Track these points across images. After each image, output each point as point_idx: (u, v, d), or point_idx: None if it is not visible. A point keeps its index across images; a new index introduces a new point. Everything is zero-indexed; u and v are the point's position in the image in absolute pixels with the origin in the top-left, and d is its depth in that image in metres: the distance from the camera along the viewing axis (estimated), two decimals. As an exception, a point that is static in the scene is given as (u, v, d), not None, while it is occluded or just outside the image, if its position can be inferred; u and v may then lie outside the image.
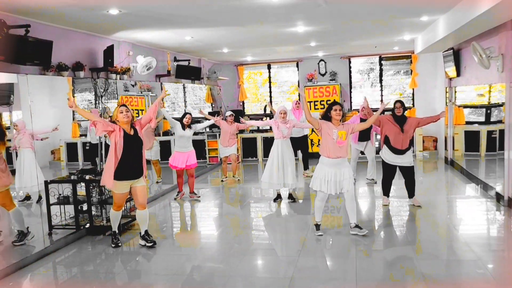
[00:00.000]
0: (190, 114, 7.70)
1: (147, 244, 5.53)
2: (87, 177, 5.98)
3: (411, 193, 6.86)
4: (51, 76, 5.87)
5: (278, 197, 7.53)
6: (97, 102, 6.94)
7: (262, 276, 4.74)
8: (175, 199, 8.01)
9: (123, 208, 5.68)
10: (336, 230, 6.14)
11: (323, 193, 5.51)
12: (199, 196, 8.06)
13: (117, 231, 5.66)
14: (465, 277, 4.36)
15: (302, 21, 7.19)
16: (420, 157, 11.43)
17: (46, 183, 5.86)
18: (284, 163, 7.07)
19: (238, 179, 9.69)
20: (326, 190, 5.42)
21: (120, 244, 5.60)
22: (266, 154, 12.18)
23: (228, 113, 9.44)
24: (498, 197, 6.86)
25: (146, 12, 5.92)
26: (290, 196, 7.49)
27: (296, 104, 9.41)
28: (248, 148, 12.17)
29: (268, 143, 11.62)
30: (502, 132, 6.85)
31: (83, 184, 6.01)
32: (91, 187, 6.02)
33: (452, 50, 9.35)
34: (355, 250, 5.16)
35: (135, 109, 8.62)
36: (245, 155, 12.25)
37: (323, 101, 11.87)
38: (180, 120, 7.56)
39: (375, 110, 6.93)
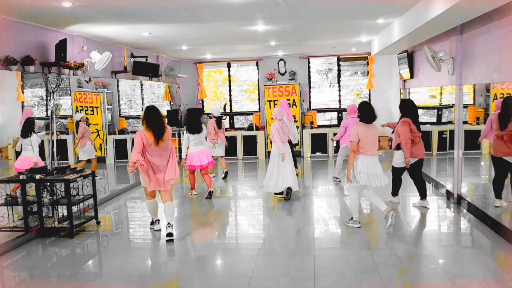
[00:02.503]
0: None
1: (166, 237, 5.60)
2: (37, 176, 5.71)
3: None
4: (-5, 70, 5.57)
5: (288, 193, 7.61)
6: (48, 98, 6.63)
7: (221, 276, 4.70)
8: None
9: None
10: (295, 227, 6.19)
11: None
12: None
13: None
14: (417, 272, 4.51)
15: (262, 20, 7.19)
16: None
17: (-8, 183, 5.56)
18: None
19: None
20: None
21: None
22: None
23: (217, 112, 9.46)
24: (448, 194, 7.14)
25: (101, 6, 5.72)
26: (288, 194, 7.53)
27: None
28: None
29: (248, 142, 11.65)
30: (452, 132, 7.13)
31: (33, 184, 5.74)
32: (42, 187, 5.76)
33: (406, 53, 9.64)
34: (313, 248, 5.21)
35: (90, 106, 8.32)
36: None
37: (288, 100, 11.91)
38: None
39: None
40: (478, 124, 7.87)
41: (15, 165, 6.37)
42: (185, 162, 7.87)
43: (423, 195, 6.79)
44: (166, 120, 5.59)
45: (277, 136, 7.14)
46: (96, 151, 8.33)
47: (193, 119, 7.91)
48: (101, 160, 8.64)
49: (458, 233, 5.96)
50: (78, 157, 8.00)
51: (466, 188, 7.15)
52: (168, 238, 5.56)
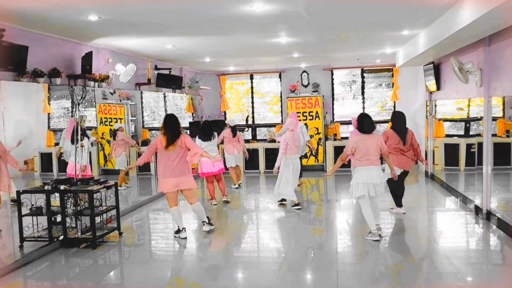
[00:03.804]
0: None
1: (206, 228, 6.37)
2: (62, 187, 5.78)
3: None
4: (26, 82, 5.69)
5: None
6: (74, 110, 6.75)
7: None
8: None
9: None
10: (318, 241, 6.09)
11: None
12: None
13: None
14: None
15: (285, 32, 7.17)
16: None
17: (18, 193, 5.64)
18: None
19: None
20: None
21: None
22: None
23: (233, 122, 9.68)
24: (477, 210, 6.90)
25: (126, 19, 5.81)
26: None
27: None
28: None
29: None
30: (480, 145, 6.93)
31: (57, 194, 5.81)
32: (66, 198, 5.83)
33: (432, 64, 9.47)
34: (336, 262, 5.10)
35: (114, 118, 8.44)
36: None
37: (305, 112, 11.86)
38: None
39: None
40: (508, 137, 7.63)
41: (67, 171, 6.81)
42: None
43: (399, 204, 7.06)
44: (182, 129, 6.09)
45: (283, 149, 7.45)
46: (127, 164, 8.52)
47: (205, 127, 8.14)
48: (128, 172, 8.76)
49: (487, 250, 5.75)
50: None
51: (495, 203, 6.90)
52: (208, 229, 6.37)
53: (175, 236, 6.20)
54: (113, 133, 8.36)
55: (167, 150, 5.85)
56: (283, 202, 7.90)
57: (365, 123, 5.84)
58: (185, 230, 6.17)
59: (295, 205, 7.63)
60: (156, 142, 5.95)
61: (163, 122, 6.01)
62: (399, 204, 7.08)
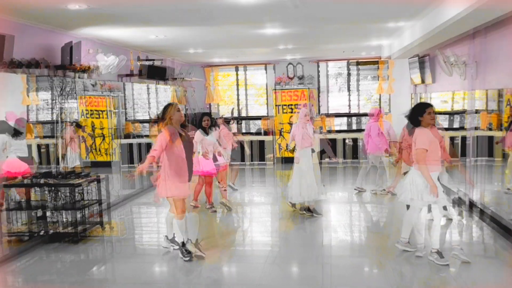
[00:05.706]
0: (208, 115, 7.15)
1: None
2: (43, 181, 5.66)
3: None
4: (4, 73, 5.52)
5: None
6: (56, 102, 6.56)
7: (229, 284, 4.61)
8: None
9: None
10: (307, 235, 6.04)
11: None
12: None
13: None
14: (428, 280, 4.44)
15: (274, 23, 7.05)
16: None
17: (-2, 187, 5.53)
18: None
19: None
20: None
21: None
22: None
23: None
24: (460, 202, 6.92)
25: (112, 8, 5.66)
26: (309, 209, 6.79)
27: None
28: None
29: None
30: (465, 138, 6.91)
31: (38, 188, 5.70)
32: (48, 192, 5.70)
33: (428, 57, 9.37)
34: (329, 256, 5.08)
35: (102, 110, 8.27)
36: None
37: (298, 104, 11.67)
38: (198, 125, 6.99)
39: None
40: (501, 130, 7.53)
41: (4, 169, 5.92)
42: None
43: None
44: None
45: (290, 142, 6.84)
46: (79, 160, 7.56)
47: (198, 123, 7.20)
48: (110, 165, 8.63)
49: (470, 241, 5.73)
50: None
51: (479, 195, 6.82)
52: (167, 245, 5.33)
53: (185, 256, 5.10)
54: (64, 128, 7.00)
55: (182, 141, 4.89)
56: (305, 213, 6.75)
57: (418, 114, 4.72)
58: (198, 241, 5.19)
59: (307, 209, 6.72)
60: (165, 137, 4.83)
61: (166, 110, 4.98)
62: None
